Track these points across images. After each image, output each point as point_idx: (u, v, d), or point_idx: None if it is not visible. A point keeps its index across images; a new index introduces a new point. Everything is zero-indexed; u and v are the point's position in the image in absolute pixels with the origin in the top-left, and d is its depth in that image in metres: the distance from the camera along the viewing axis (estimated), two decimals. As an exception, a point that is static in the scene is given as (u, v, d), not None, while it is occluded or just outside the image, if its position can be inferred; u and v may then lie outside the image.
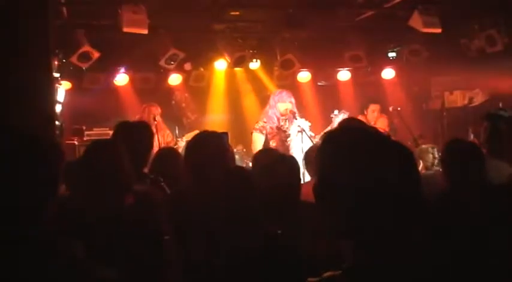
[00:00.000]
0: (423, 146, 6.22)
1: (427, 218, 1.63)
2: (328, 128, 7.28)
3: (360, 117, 7.85)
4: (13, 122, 3.58)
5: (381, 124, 8.45)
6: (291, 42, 8.93)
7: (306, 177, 5.08)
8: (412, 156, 1.63)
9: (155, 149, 6.67)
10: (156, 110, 7.69)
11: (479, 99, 9.22)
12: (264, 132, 7.02)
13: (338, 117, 7.26)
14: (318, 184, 1.59)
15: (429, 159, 5.63)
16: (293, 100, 7.11)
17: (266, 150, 5.67)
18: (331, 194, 1.56)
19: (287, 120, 7.03)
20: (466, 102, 9.29)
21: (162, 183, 3.95)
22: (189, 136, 7.52)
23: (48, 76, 4.30)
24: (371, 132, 1.71)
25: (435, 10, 7.54)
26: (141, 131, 4.11)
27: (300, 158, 6.75)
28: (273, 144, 6.98)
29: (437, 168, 5.43)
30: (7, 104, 3.83)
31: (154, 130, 7.09)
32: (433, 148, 5.75)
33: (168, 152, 5.29)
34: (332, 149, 1.61)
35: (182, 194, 3.64)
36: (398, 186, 1.53)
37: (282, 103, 7.02)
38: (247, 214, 2.96)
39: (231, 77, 9.72)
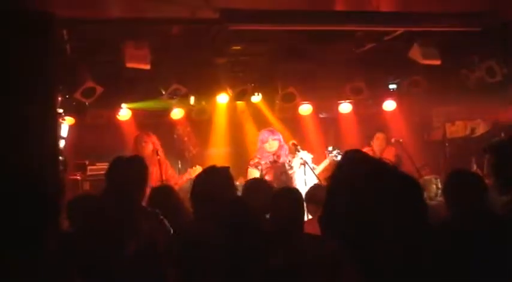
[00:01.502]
0: (426, 176, 6.23)
1: (431, 246, 1.63)
2: (324, 164, 7.36)
3: (366, 150, 7.89)
4: (18, 158, 3.60)
5: (388, 154, 8.43)
6: (292, 75, 9.01)
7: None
8: (417, 185, 1.64)
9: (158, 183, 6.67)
10: (156, 140, 7.61)
11: (480, 129, 9.25)
12: (259, 167, 7.06)
13: (332, 153, 7.36)
14: (324, 214, 1.60)
15: (433, 189, 5.63)
16: (278, 136, 7.21)
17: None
18: (338, 223, 1.56)
19: (282, 156, 7.11)
20: (468, 132, 9.32)
21: (162, 217, 3.94)
22: (194, 171, 7.40)
23: (52, 112, 4.33)
24: (376, 163, 1.72)
25: (434, 42, 7.62)
26: (136, 166, 4.11)
27: (303, 190, 6.76)
28: (268, 179, 6.99)
29: (440, 199, 5.42)
30: (12, 139, 3.84)
31: (157, 164, 7.11)
32: (436, 179, 5.76)
33: (163, 189, 5.28)
34: (337, 181, 1.63)
35: (185, 230, 3.63)
36: (402, 215, 1.53)
37: (266, 143, 7.11)
38: (250, 245, 2.95)
39: (232, 111, 9.76)
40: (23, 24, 4.28)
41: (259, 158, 7.12)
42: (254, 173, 7.04)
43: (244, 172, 8.04)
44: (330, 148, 7.51)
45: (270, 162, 7.09)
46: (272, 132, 7.28)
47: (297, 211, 3.58)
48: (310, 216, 5.09)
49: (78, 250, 2.92)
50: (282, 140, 7.25)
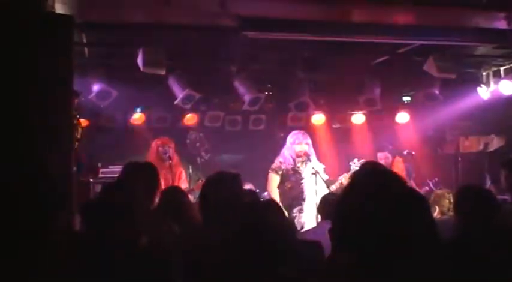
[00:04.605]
0: (439, 191, 6.20)
1: (439, 261, 1.64)
2: (346, 175, 7.18)
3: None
4: (33, 158, 3.63)
5: (397, 166, 8.38)
6: (306, 85, 9.02)
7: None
8: (424, 200, 1.65)
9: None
10: (170, 145, 7.71)
11: (494, 144, 9.20)
12: (280, 172, 7.05)
13: (356, 164, 7.26)
14: (335, 226, 1.62)
15: (445, 204, 5.59)
16: (309, 141, 7.16)
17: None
18: (348, 236, 1.58)
19: (303, 162, 7.05)
20: (481, 147, 9.26)
21: (172, 224, 3.96)
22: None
23: (68, 114, 4.38)
24: (387, 177, 1.73)
25: (450, 56, 7.61)
26: (148, 171, 4.16)
27: (313, 200, 6.74)
28: (288, 185, 6.99)
29: (452, 213, 5.40)
30: (28, 140, 3.89)
31: (169, 169, 7.16)
32: (449, 193, 5.72)
33: (173, 190, 5.29)
34: (348, 194, 1.65)
35: (194, 235, 3.64)
36: (407, 229, 1.55)
37: (298, 145, 7.06)
38: (262, 254, 2.95)
39: (245, 118, 9.78)
40: (42, 25, 4.32)
41: (281, 162, 7.09)
42: (274, 178, 7.03)
43: (255, 179, 8.05)
44: (356, 160, 7.29)
45: (290, 169, 7.07)
46: (304, 135, 7.23)
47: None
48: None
49: (91, 250, 2.95)
50: (311, 144, 7.20)
